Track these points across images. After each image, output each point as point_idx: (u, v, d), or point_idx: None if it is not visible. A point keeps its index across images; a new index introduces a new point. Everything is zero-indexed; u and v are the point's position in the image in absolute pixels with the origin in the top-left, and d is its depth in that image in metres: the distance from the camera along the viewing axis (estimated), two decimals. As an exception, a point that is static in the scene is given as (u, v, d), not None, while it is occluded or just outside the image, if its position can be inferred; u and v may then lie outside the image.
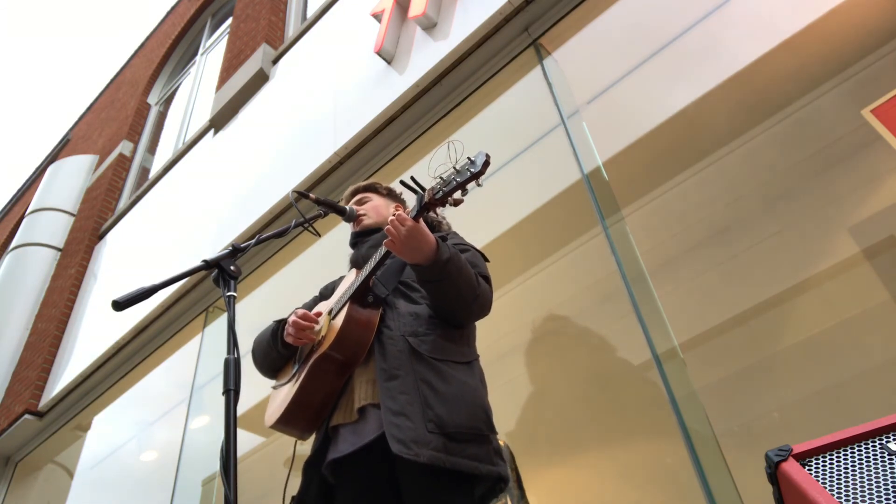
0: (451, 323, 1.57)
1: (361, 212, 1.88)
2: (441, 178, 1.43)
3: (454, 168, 1.41)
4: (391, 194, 1.98)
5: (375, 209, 1.89)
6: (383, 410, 1.40)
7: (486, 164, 1.37)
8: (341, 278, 1.84)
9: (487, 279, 1.63)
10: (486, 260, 1.74)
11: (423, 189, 1.48)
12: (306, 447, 1.64)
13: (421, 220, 1.46)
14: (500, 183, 3.33)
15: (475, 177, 1.38)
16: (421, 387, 1.42)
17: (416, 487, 1.39)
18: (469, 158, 1.40)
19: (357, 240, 1.86)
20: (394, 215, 1.46)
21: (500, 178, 3.32)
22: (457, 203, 1.45)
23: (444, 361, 1.48)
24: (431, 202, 1.43)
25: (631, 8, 3.16)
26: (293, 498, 1.53)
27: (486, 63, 3.53)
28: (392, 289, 1.61)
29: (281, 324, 1.70)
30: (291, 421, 1.57)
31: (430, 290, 1.53)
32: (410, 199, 1.62)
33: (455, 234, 1.84)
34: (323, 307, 1.74)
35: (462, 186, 1.39)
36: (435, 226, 1.85)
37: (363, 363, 1.54)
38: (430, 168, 1.49)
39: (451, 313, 1.55)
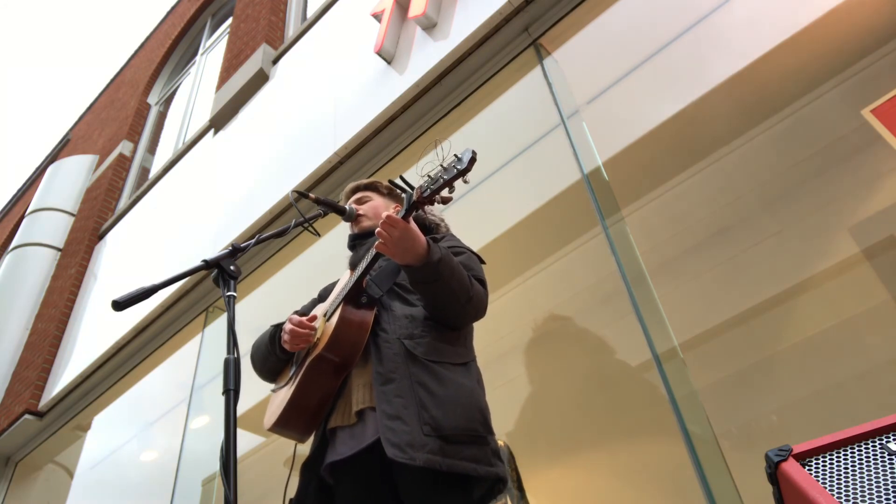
0: (446, 325, 1.56)
1: (361, 212, 1.86)
2: (429, 176, 1.42)
3: (441, 166, 1.41)
4: (392, 194, 1.95)
5: (375, 209, 1.87)
6: (379, 414, 1.39)
7: (473, 160, 1.37)
8: (339, 280, 1.83)
9: (482, 281, 1.62)
10: (483, 262, 1.73)
11: (411, 188, 1.48)
12: (307, 447, 1.64)
13: (412, 221, 1.46)
14: (499, 183, 3.33)
15: (462, 174, 1.37)
16: (416, 389, 1.41)
17: (415, 490, 1.38)
18: (456, 156, 1.40)
19: (355, 242, 1.86)
20: (384, 217, 1.45)
21: (500, 178, 3.32)
22: (445, 201, 1.44)
23: (439, 363, 1.47)
24: (420, 201, 1.43)
25: (631, 8, 3.16)
26: (291, 500, 1.53)
27: (486, 63, 3.53)
28: (387, 290, 1.60)
29: (278, 328, 1.70)
30: (289, 423, 1.57)
31: (422, 292, 1.53)
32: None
33: (452, 236, 1.83)
34: (319, 309, 1.74)
35: (449, 184, 1.39)
36: (433, 227, 1.84)
37: (360, 365, 1.54)
38: (418, 167, 1.49)
39: (445, 315, 1.55)
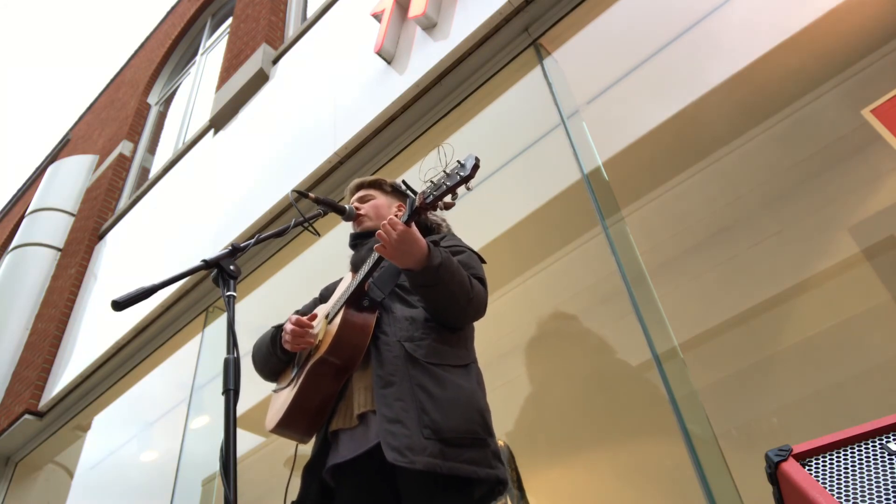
0: (446, 326, 1.56)
1: (362, 211, 1.85)
2: (432, 182, 1.43)
3: (444, 172, 1.41)
4: (395, 192, 1.93)
5: (376, 209, 1.86)
6: (379, 418, 1.39)
7: (476, 167, 1.38)
8: (341, 280, 1.83)
9: (482, 280, 1.63)
10: (483, 261, 1.72)
11: (414, 193, 1.48)
12: (308, 448, 1.64)
13: (413, 224, 1.46)
14: (499, 183, 3.33)
15: (465, 181, 1.38)
16: (417, 392, 1.41)
17: (416, 493, 1.39)
18: (459, 162, 1.40)
19: (356, 241, 1.85)
20: (386, 220, 1.45)
21: (500, 178, 3.32)
22: (448, 207, 1.45)
23: (440, 366, 1.47)
24: (422, 207, 1.43)
25: (631, 8, 3.16)
26: (293, 502, 1.53)
27: (486, 63, 3.53)
28: (388, 292, 1.61)
29: (279, 329, 1.70)
30: (291, 425, 1.57)
31: (422, 295, 1.53)
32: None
33: (453, 235, 1.83)
34: (320, 311, 1.74)
35: (452, 191, 1.39)
36: (434, 228, 1.84)
37: (361, 368, 1.54)
38: (421, 172, 1.49)
39: (445, 316, 1.55)
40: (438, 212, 1.84)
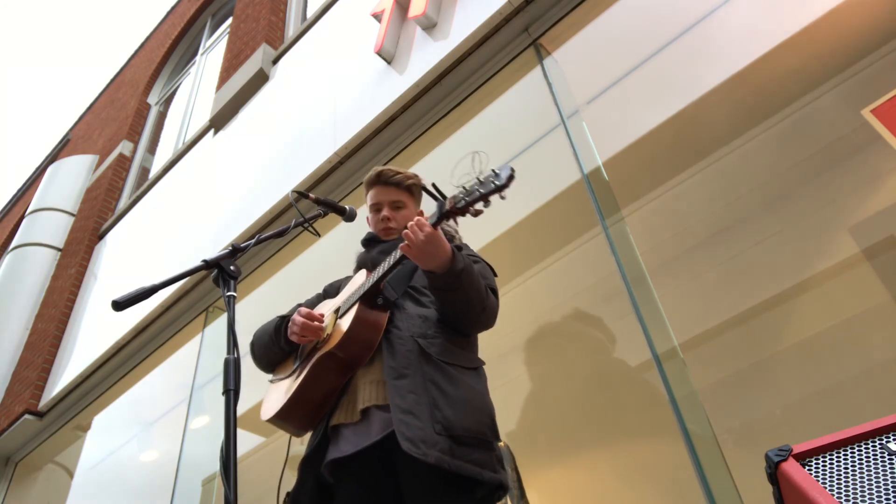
0: (456, 330, 1.58)
1: (393, 224, 1.79)
2: (464, 187, 1.42)
3: (478, 179, 1.41)
4: (419, 195, 1.87)
5: (407, 221, 1.76)
6: (392, 408, 1.40)
7: (511, 178, 1.36)
8: (347, 278, 1.83)
9: (495, 292, 1.65)
10: (495, 274, 1.74)
11: (444, 197, 1.48)
12: (304, 447, 1.64)
13: (439, 228, 1.46)
14: (499, 183, 3.32)
15: (498, 190, 1.37)
16: (429, 387, 1.42)
17: (419, 488, 1.39)
18: (494, 171, 1.39)
19: (370, 242, 1.84)
20: (413, 220, 1.45)
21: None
22: (477, 214, 1.43)
23: (451, 365, 1.49)
24: (453, 211, 1.43)
25: (631, 7, 3.16)
26: (288, 494, 1.54)
27: (486, 63, 3.53)
28: (402, 293, 1.61)
29: (284, 320, 1.70)
30: (289, 417, 1.57)
31: (440, 298, 1.54)
32: (429, 206, 1.62)
33: (466, 245, 1.84)
34: (328, 305, 1.74)
35: (485, 198, 1.38)
36: (448, 238, 1.83)
37: (367, 364, 1.54)
38: (452, 176, 1.49)
39: (458, 321, 1.56)
40: (462, 218, 1.82)
